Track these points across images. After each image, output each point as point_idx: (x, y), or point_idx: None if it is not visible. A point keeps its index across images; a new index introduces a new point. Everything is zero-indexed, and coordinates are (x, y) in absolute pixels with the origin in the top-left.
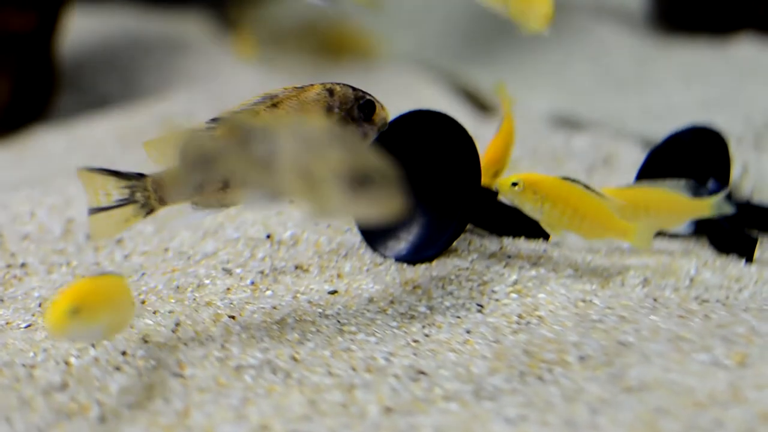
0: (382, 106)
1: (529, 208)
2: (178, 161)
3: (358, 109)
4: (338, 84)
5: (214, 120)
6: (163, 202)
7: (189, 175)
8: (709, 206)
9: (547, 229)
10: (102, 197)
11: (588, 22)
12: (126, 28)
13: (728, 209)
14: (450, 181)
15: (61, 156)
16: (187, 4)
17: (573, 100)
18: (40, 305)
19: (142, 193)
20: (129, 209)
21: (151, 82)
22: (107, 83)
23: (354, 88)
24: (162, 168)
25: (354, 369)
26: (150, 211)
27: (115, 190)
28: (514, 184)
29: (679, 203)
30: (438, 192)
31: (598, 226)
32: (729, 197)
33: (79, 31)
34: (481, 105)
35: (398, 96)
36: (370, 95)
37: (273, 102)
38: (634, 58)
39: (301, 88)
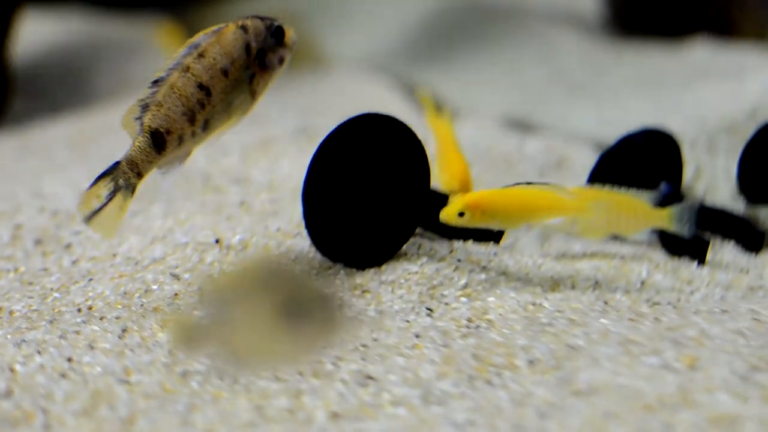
0: (288, 28)
1: (487, 225)
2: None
3: (271, 36)
4: (248, 18)
5: (155, 82)
6: (140, 176)
7: (149, 141)
8: (668, 217)
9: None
10: (95, 202)
11: (542, 26)
12: (80, 33)
13: (684, 226)
14: (399, 184)
15: (13, 162)
16: (143, 8)
17: (527, 104)
18: None
19: (122, 176)
20: (119, 197)
21: (105, 87)
22: (61, 88)
23: (261, 18)
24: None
25: (301, 374)
26: (133, 189)
27: (103, 189)
28: (461, 215)
29: (640, 211)
30: (387, 195)
31: (552, 214)
32: (690, 213)
33: (32, 35)
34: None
35: (351, 99)
36: (275, 19)
37: (198, 52)
38: (588, 62)
39: (218, 30)
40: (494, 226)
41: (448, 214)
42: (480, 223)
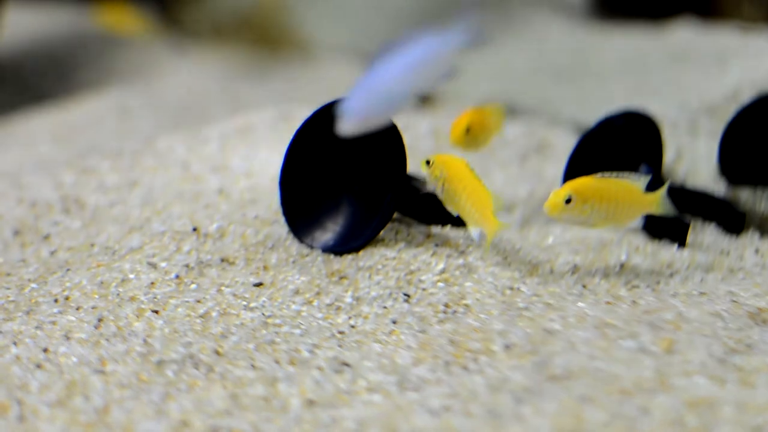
0: None
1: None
2: None
3: None
4: None
5: None
6: None
7: None
8: (659, 201)
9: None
10: None
11: (526, 10)
12: (64, 24)
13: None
14: (376, 170)
15: None
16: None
17: (509, 88)
18: None
19: None
20: None
21: (88, 78)
22: (44, 79)
23: None
24: None
25: (277, 362)
26: None
27: None
28: (568, 201)
29: (636, 198)
30: (364, 182)
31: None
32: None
33: (15, 27)
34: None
35: (334, 86)
36: None
37: None
38: (572, 47)
39: None
40: (591, 221)
41: (553, 204)
42: (583, 215)
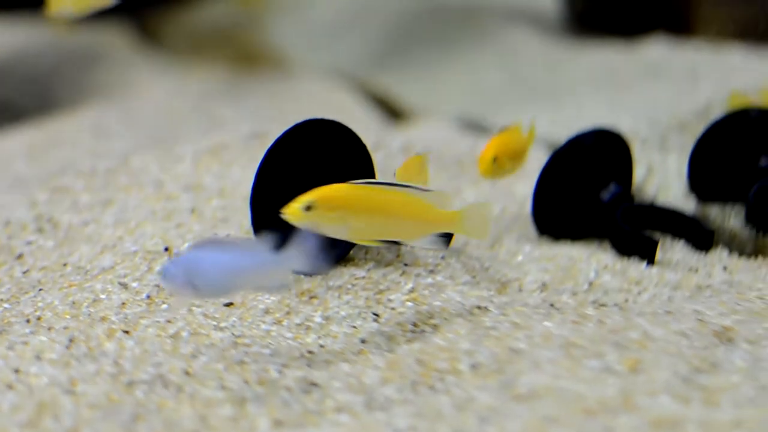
0: None
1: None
2: None
3: None
4: None
5: None
6: None
7: None
8: (458, 218)
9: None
10: None
11: (501, 26)
12: (42, 40)
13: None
14: None
15: None
16: (105, 14)
17: (483, 105)
18: None
19: None
20: None
21: (67, 95)
22: (21, 97)
23: None
24: None
25: (246, 382)
26: None
27: None
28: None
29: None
30: None
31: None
32: None
33: None
34: (391, 111)
35: (310, 103)
36: None
37: None
38: (546, 62)
39: None
40: (341, 232)
41: (291, 212)
42: (328, 224)
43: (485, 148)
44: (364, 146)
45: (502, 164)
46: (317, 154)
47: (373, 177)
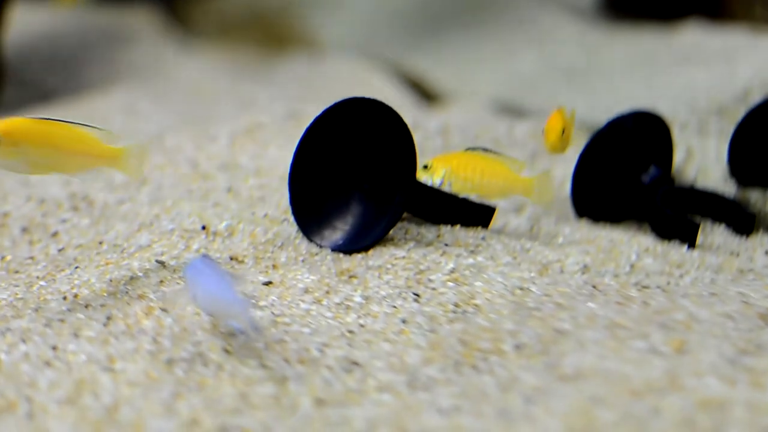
0: None
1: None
2: None
3: None
4: None
5: None
6: None
7: None
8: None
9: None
10: None
11: (534, 10)
12: (70, 22)
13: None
14: (386, 169)
15: None
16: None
17: (518, 89)
18: None
19: None
20: None
21: (96, 76)
22: (52, 77)
23: None
24: None
25: (287, 361)
26: None
27: None
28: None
29: (505, 176)
30: (374, 180)
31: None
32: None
33: (23, 25)
34: (425, 93)
35: (342, 85)
36: None
37: None
38: (580, 47)
39: None
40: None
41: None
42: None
43: (550, 122)
44: (405, 126)
45: (568, 137)
46: (357, 133)
47: (415, 157)
